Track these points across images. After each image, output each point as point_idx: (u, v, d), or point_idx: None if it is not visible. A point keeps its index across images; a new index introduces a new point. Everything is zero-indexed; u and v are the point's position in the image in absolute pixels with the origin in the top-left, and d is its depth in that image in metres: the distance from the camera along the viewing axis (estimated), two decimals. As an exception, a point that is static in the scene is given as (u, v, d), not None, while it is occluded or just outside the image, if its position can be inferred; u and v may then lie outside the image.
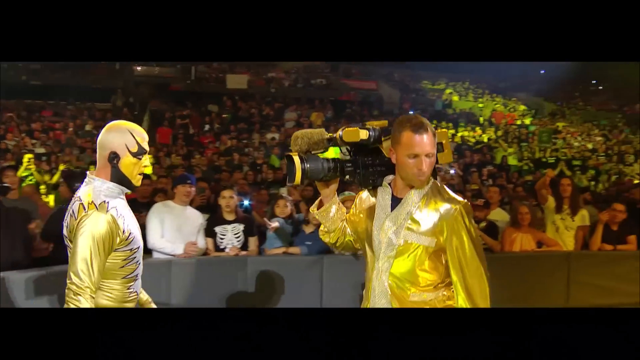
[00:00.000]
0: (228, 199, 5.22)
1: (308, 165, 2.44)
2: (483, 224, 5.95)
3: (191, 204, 5.47)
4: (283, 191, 6.50)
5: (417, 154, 2.35)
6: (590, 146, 19.34)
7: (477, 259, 2.41)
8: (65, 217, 2.49)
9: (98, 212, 2.38)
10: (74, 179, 5.21)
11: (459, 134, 19.65)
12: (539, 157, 15.75)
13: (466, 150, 15.93)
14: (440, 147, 2.46)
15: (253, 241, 5.39)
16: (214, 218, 5.40)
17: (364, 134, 2.42)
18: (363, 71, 28.36)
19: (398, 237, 2.45)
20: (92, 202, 2.41)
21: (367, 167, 2.50)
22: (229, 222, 5.27)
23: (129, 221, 2.50)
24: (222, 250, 5.24)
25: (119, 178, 2.52)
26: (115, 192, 2.52)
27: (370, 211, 2.60)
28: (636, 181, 12.69)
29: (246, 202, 6.30)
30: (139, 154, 2.53)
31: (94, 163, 2.68)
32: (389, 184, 2.53)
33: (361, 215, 2.65)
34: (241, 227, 5.28)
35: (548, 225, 6.29)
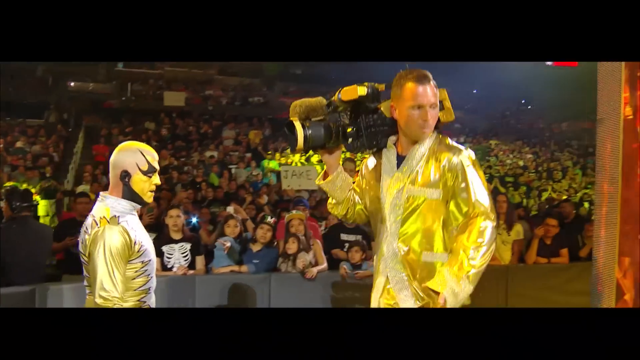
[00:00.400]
0: (175, 218, 5.22)
1: (310, 132, 2.40)
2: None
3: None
4: (230, 210, 6.51)
5: (422, 105, 2.34)
6: (521, 163, 20.03)
7: (485, 200, 2.38)
8: (80, 234, 2.60)
9: (110, 225, 2.49)
10: (16, 196, 5.11)
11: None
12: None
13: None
14: (440, 105, 2.44)
15: (200, 260, 5.39)
16: (160, 237, 5.37)
17: (362, 90, 2.41)
18: (301, 89, 28.58)
19: (404, 194, 2.42)
20: (104, 217, 2.51)
21: (370, 128, 2.47)
22: (176, 241, 5.26)
23: (140, 234, 2.61)
24: (170, 269, 5.22)
25: (130, 195, 2.63)
26: (128, 208, 2.63)
27: (377, 175, 2.55)
28: (564, 197, 13.29)
29: (194, 220, 6.30)
30: (149, 172, 2.65)
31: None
32: (394, 144, 2.51)
33: (371, 182, 2.60)
34: (188, 246, 5.27)
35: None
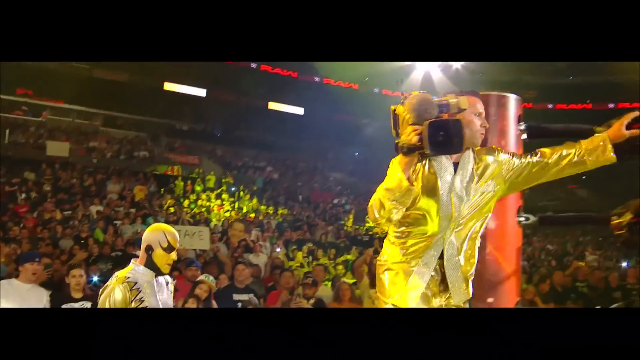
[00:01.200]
0: (78, 278, 5.27)
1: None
2: (312, 301, 6.53)
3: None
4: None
5: (481, 113, 2.48)
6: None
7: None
8: None
9: (115, 283, 3.22)
10: None
11: (279, 212, 20.43)
12: (355, 235, 16.88)
13: (287, 227, 16.68)
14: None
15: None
16: (59, 295, 5.38)
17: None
18: (186, 145, 28.69)
19: (470, 193, 2.54)
20: (118, 276, 3.19)
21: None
22: (77, 300, 5.30)
23: (147, 294, 3.29)
24: (69, 327, 5.26)
25: (151, 265, 3.37)
26: (146, 273, 3.36)
27: (429, 181, 2.63)
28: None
29: (95, 279, 6.37)
30: (167, 249, 3.37)
31: None
32: None
33: (428, 185, 2.64)
34: (89, 304, 5.34)
35: (365, 299, 7.03)
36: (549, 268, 12.78)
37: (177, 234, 3.50)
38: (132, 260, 3.43)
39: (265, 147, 31.02)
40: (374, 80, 34.84)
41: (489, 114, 2.43)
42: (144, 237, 3.43)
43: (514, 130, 2.47)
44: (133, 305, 3.19)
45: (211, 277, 5.97)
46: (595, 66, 30.99)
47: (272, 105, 33.86)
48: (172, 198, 18.04)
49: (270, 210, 20.04)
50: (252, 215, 17.61)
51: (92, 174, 20.26)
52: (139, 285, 3.27)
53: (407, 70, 34.83)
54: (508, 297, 2.37)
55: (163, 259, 3.37)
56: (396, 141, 2.53)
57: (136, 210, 15.76)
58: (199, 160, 26.68)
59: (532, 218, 2.53)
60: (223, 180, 23.50)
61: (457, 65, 36.24)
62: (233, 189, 22.73)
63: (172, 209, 15.91)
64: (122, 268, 3.53)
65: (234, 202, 20.37)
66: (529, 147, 2.54)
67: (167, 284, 3.58)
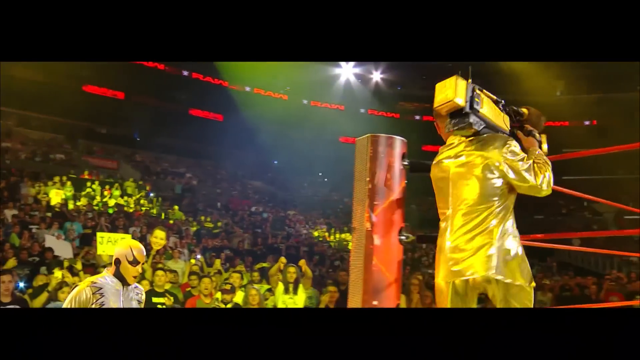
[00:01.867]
0: (7, 283, 5.54)
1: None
2: (230, 305, 6.96)
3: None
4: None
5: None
6: (316, 234, 21.67)
7: None
8: None
9: (83, 286, 3.76)
10: None
11: (199, 219, 20.60)
12: (271, 243, 17.32)
13: (205, 235, 16.94)
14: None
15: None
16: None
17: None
18: (105, 149, 28.34)
19: None
20: (88, 280, 3.70)
21: None
22: (5, 304, 5.52)
23: (106, 298, 3.78)
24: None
25: (118, 275, 3.88)
26: (112, 282, 3.86)
27: None
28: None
29: (21, 285, 6.57)
30: (133, 263, 3.87)
31: None
32: None
33: None
34: (17, 307, 5.60)
35: (278, 304, 7.52)
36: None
37: (143, 250, 3.98)
38: (105, 269, 3.98)
39: (185, 154, 31.04)
40: (301, 91, 35.46)
41: (379, 151, 2.98)
42: (114, 250, 3.95)
43: (398, 165, 3.03)
44: (93, 306, 3.66)
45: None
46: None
47: (194, 112, 33.92)
48: (90, 203, 17.90)
49: (190, 217, 20.19)
50: (171, 221, 17.73)
51: (6, 176, 19.79)
52: (104, 291, 3.76)
53: (331, 81, 35.77)
54: (390, 300, 2.91)
55: (129, 271, 3.86)
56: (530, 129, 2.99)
57: (52, 214, 15.55)
58: (117, 164, 26.45)
59: (411, 237, 3.09)
60: (141, 184, 23.42)
61: (377, 78, 37.38)
62: (152, 195, 22.71)
63: (90, 214, 15.80)
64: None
65: (152, 208, 20.37)
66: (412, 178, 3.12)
67: (138, 302, 4.01)
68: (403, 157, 3.06)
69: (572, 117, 36.47)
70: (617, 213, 29.83)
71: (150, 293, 6.73)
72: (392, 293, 2.93)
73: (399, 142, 3.06)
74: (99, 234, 8.83)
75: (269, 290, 7.99)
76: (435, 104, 2.82)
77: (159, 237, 8.39)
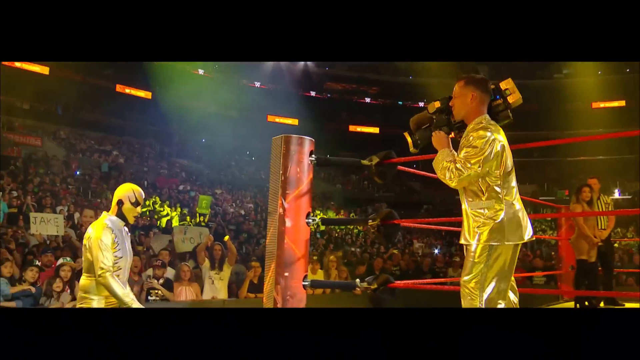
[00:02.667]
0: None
1: (417, 137, 3.40)
2: (162, 281, 7.45)
3: None
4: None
5: None
6: (242, 212, 22.08)
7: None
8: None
9: (100, 225, 4.10)
10: None
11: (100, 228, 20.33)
12: (199, 222, 17.63)
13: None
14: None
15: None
16: None
17: (437, 104, 3.35)
18: (27, 125, 27.70)
19: None
20: (99, 223, 4.14)
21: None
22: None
23: (119, 238, 4.16)
24: None
25: (120, 215, 4.23)
26: (117, 223, 4.20)
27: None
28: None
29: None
30: (135, 204, 4.24)
31: None
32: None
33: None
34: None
35: (205, 279, 8.03)
36: (371, 254, 14.41)
37: (142, 192, 4.35)
38: (104, 213, 4.24)
39: (111, 131, 30.73)
40: (230, 70, 35.47)
41: (290, 149, 3.59)
42: (116, 192, 4.25)
43: (307, 161, 3.64)
44: (113, 246, 4.07)
45: (68, 259, 6.73)
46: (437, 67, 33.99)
47: (120, 88, 33.55)
48: (15, 181, 17.71)
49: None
50: (99, 200, 17.80)
51: None
52: (115, 231, 4.14)
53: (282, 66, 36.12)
54: (299, 273, 3.54)
55: (131, 212, 4.23)
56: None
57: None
58: (41, 141, 26.00)
59: (317, 220, 3.71)
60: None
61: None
62: (78, 173, 22.54)
63: (15, 193, 15.68)
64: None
65: (79, 187, 20.30)
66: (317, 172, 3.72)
67: (127, 233, 4.36)
68: (310, 154, 3.68)
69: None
70: (532, 193, 31.62)
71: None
72: (301, 266, 3.56)
73: (307, 142, 3.67)
74: (32, 214, 9.11)
75: (196, 267, 8.46)
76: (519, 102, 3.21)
77: (88, 216, 8.75)
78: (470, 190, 3.11)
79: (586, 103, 36.21)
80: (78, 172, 22.56)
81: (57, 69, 30.03)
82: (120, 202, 4.22)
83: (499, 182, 3.04)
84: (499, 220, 3.01)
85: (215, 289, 7.88)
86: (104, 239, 4.02)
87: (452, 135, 3.33)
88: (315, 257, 8.99)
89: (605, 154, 34.41)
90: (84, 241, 4.12)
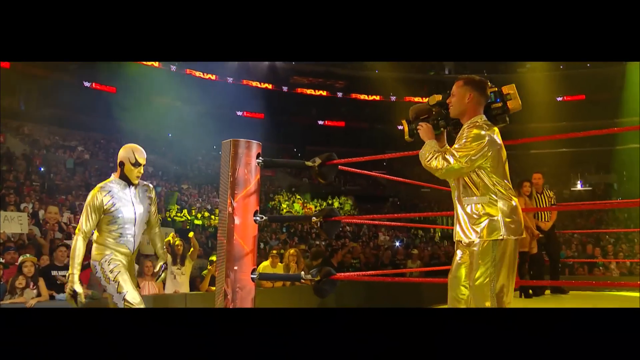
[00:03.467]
0: None
1: (413, 126, 3.53)
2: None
3: None
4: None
5: None
6: (209, 207, 22.28)
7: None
8: None
9: (95, 190, 4.42)
10: None
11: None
12: (164, 217, 17.82)
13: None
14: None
15: None
16: None
17: (438, 97, 3.47)
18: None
19: None
20: (98, 186, 4.46)
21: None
22: None
23: (117, 199, 4.46)
24: None
25: (123, 177, 4.50)
26: (119, 183, 4.50)
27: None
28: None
29: None
30: (135, 165, 4.47)
31: None
32: None
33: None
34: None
35: (168, 274, 8.28)
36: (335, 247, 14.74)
37: (144, 152, 4.55)
38: (113, 174, 4.52)
39: (76, 127, 30.51)
40: (194, 64, 35.36)
41: (239, 152, 3.87)
42: (119, 155, 4.50)
43: (254, 163, 3.94)
44: (107, 207, 4.38)
45: (28, 255, 6.92)
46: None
47: (86, 83, 33.27)
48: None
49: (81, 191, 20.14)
50: (64, 197, 17.82)
51: None
52: (113, 193, 4.43)
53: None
54: (247, 266, 3.83)
55: (133, 173, 4.46)
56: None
57: None
58: (3, 138, 25.71)
59: (264, 217, 4.01)
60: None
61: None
62: (42, 169, 22.42)
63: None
64: None
65: (44, 183, 20.24)
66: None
67: (149, 198, 4.65)
68: (258, 156, 3.97)
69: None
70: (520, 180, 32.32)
71: (51, 267, 7.28)
72: (249, 260, 3.86)
73: (254, 145, 3.97)
74: (2, 213, 9.23)
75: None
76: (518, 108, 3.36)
77: (52, 212, 8.91)
78: (466, 187, 3.21)
79: (549, 96, 37.00)
80: (42, 169, 22.41)
81: (19, 63, 29.58)
82: (121, 164, 4.47)
83: (494, 179, 3.13)
84: (498, 216, 3.09)
85: (178, 283, 8.12)
86: (91, 202, 4.33)
87: (448, 129, 3.50)
88: (274, 252, 9.29)
89: (568, 146, 35.33)
90: None
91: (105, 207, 4.40)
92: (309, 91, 41.18)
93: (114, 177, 4.52)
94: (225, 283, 3.76)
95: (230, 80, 37.84)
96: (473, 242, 3.13)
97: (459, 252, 3.29)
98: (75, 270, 4.27)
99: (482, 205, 3.12)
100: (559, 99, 37.99)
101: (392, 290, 8.59)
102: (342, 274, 4.18)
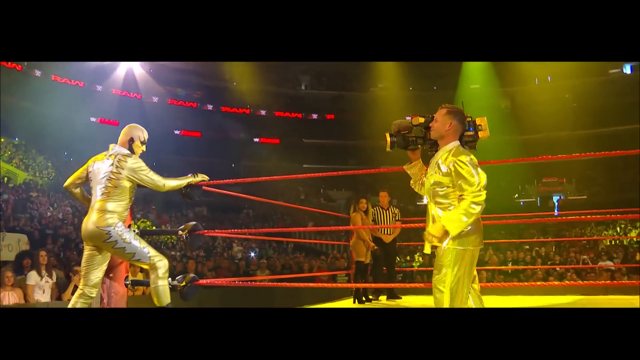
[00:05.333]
0: None
1: (395, 139, 3.88)
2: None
3: None
4: None
5: None
6: (60, 216, 21.65)
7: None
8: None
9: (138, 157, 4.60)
10: None
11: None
12: (13, 226, 17.20)
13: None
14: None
15: None
16: None
17: (420, 119, 3.83)
18: None
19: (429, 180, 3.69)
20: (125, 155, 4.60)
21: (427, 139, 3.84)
22: None
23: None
24: None
25: (130, 151, 4.63)
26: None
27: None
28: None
29: None
30: (143, 143, 4.72)
31: None
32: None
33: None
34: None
35: (28, 284, 8.38)
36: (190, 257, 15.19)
37: (146, 132, 4.80)
38: (118, 146, 4.63)
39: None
40: (52, 68, 34.02)
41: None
42: (126, 131, 4.69)
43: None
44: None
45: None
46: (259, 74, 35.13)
47: None
48: None
49: None
50: None
51: None
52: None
53: (111, 68, 35.06)
54: (121, 274, 4.41)
55: (139, 149, 4.70)
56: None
57: None
58: None
59: (137, 230, 4.59)
60: None
61: (153, 65, 37.29)
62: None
63: None
64: None
65: None
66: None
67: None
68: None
69: (316, 111, 40.17)
70: (348, 200, 33.80)
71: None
72: (122, 269, 4.46)
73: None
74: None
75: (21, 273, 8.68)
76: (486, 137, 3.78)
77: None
78: (444, 201, 3.60)
79: (399, 116, 39.10)
80: None
81: None
82: (131, 140, 4.67)
83: (485, 188, 3.48)
84: (468, 227, 3.43)
85: (40, 293, 8.26)
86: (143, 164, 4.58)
87: (425, 147, 3.90)
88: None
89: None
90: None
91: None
92: (165, 99, 40.75)
93: (124, 148, 4.69)
94: (102, 289, 4.29)
95: (83, 84, 36.57)
96: (441, 249, 3.54)
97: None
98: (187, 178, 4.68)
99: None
100: (408, 118, 40.24)
101: (248, 295, 9.21)
102: (205, 280, 4.83)
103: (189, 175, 4.72)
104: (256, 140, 39.87)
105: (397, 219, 8.68)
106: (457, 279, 3.40)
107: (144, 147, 4.75)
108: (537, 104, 35.83)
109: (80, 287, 4.28)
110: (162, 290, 4.19)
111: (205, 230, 4.86)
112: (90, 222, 4.32)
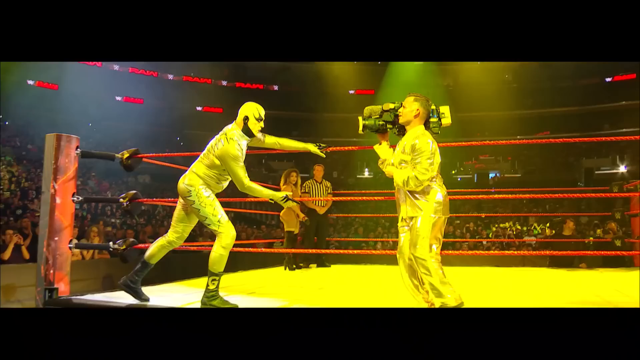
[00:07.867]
0: None
1: (366, 123, 4.27)
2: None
3: None
4: None
5: None
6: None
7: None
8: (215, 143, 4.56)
9: (233, 142, 4.44)
10: None
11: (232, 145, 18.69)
12: None
13: None
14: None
15: None
16: None
17: (391, 105, 4.22)
18: None
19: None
20: (230, 135, 4.52)
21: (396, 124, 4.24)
22: None
23: (244, 153, 4.59)
24: None
25: (246, 130, 4.57)
26: (242, 135, 4.56)
27: None
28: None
29: None
30: (259, 119, 4.57)
31: None
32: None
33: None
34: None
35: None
36: (130, 224, 15.43)
37: (262, 109, 4.70)
38: (234, 125, 4.59)
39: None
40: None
41: (61, 146, 4.77)
42: (242, 110, 4.61)
43: (73, 154, 4.86)
44: (240, 155, 4.52)
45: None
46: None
47: None
48: None
49: None
50: None
51: None
52: (241, 145, 4.56)
53: None
54: (66, 237, 4.76)
55: (256, 127, 4.60)
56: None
57: None
58: None
59: (80, 198, 4.95)
60: None
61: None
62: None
63: None
64: None
65: None
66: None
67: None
68: (77, 148, 4.90)
69: (261, 81, 40.07)
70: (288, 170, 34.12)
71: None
72: (67, 233, 4.80)
73: (74, 139, 4.90)
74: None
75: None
76: (448, 124, 4.19)
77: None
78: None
79: (343, 89, 39.36)
80: None
81: None
82: (246, 118, 4.57)
83: (434, 173, 3.95)
84: (437, 199, 3.93)
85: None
86: (235, 150, 4.46)
87: (394, 131, 4.31)
88: (76, 228, 9.91)
89: (359, 137, 38.19)
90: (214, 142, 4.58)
91: (242, 157, 4.57)
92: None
93: (236, 128, 4.63)
94: (47, 251, 4.65)
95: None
96: (417, 219, 3.95)
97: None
98: (272, 192, 4.56)
99: (426, 192, 3.97)
100: (351, 92, 40.53)
101: (187, 260, 9.56)
102: (143, 244, 5.22)
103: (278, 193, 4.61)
104: (199, 109, 39.66)
105: (328, 192, 9.10)
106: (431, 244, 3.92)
107: (261, 124, 4.70)
108: (479, 83, 36.69)
109: (166, 235, 4.64)
110: (218, 259, 4.33)
111: (146, 199, 5.24)
112: (180, 179, 4.53)
